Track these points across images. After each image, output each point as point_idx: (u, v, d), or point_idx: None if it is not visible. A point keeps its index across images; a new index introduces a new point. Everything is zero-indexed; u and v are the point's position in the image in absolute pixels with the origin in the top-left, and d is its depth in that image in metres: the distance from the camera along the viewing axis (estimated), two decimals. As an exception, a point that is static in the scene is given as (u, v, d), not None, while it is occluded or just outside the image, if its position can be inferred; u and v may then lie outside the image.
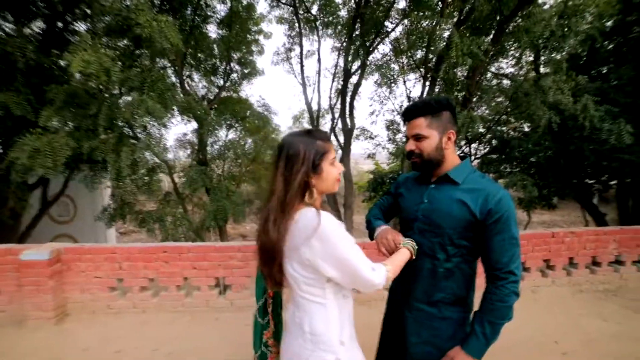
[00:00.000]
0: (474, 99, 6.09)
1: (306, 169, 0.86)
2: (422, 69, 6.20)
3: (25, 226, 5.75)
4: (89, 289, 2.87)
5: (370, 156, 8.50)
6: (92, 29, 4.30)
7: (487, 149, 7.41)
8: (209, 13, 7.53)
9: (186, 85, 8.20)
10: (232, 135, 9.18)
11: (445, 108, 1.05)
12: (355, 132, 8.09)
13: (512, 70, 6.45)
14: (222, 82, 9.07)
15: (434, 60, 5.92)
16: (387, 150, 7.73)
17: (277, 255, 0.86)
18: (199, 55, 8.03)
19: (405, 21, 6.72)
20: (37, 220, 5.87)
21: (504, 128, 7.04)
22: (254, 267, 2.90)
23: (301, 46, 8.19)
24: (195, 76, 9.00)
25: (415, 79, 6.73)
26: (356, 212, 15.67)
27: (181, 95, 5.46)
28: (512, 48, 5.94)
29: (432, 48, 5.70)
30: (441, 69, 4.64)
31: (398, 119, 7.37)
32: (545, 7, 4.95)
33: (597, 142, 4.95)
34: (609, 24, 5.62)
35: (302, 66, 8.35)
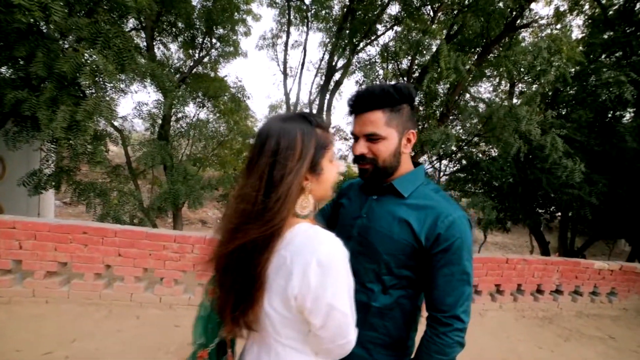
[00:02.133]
0: (450, 117, 6.15)
1: (305, 168, 0.63)
2: (404, 78, 6.14)
3: None
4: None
5: (343, 158, 8.37)
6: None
7: (456, 167, 7.60)
8: (192, -22, 6.92)
9: (159, 53, 7.51)
10: (202, 115, 8.62)
11: (407, 100, 0.82)
12: (331, 130, 7.92)
13: (488, 95, 6.64)
14: (198, 56, 8.46)
15: (418, 71, 5.89)
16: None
17: (258, 294, 0.62)
18: (178, 23, 7.38)
19: (396, 27, 6.64)
20: None
21: (473, 150, 7.23)
22: (189, 262, 2.59)
23: (288, 34, 7.86)
24: (172, 46, 8.32)
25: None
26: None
27: (143, 60, 4.89)
28: (492, 75, 6.11)
29: (418, 59, 5.66)
30: (425, 81, 4.57)
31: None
32: (525, 42, 5.14)
33: (554, 175, 5.23)
34: (572, 70, 5.99)
35: (286, 55, 8.02)
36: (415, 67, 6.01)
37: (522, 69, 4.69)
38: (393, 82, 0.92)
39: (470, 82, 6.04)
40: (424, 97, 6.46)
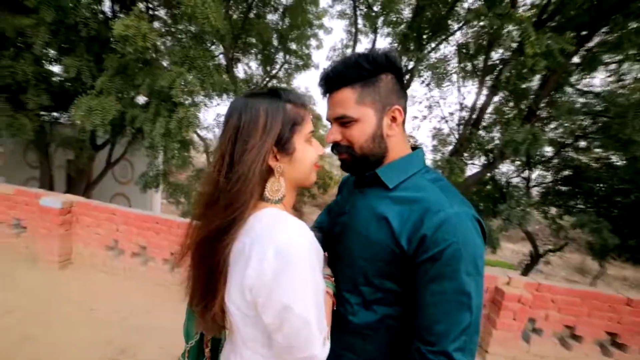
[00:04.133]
0: (543, 115, 5.11)
1: (269, 146, 0.57)
2: (479, 74, 5.40)
3: (92, 180, 6.59)
4: (90, 243, 3.01)
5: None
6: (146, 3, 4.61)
7: (554, 177, 6.24)
8: (269, 2, 7.69)
9: (242, 70, 8.53)
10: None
11: (385, 69, 0.66)
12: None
13: (606, 88, 5.24)
14: (273, 71, 9.30)
15: (499, 67, 5.12)
16: (430, 160, 7.00)
17: (219, 285, 0.56)
18: (255, 43, 8.27)
19: (474, 22, 5.95)
20: (101, 177, 6.67)
21: (580, 156, 5.82)
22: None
23: (355, 42, 7.88)
24: (253, 64, 9.39)
25: (473, 84, 5.91)
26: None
27: (223, 76, 5.61)
28: (611, 61, 4.80)
29: (499, 51, 4.92)
30: (505, 74, 3.92)
31: (446, 127, 6.61)
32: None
33: None
34: None
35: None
36: (496, 61, 5.23)
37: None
38: (366, 50, 0.68)
39: (576, 72, 4.91)
40: (509, 95, 5.57)
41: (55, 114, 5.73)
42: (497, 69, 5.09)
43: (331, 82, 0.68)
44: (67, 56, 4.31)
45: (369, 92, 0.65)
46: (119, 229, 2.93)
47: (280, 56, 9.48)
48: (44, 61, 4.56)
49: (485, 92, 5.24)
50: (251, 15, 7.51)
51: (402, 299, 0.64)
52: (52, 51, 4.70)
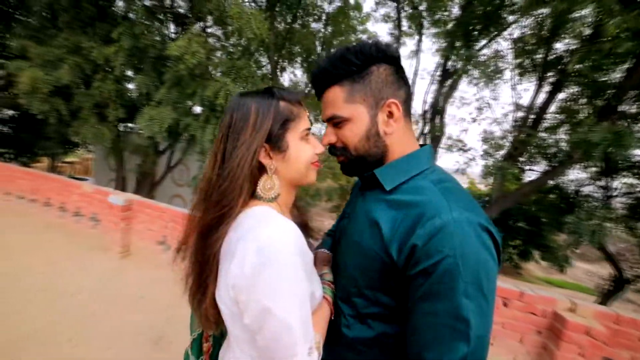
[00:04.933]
0: (632, 111, 4.31)
1: (259, 142, 0.57)
2: (538, 70, 4.80)
3: (155, 182, 7.50)
4: (145, 238, 3.39)
5: (462, 172, 7.26)
6: (202, 26, 5.12)
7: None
8: (312, 11, 7.93)
9: (288, 79, 8.89)
10: (315, 130, 9.54)
11: (377, 60, 0.59)
12: (446, 142, 7.06)
13: None
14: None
15: (564, 59, 4.50)
16: (480, 166, 6.42)
17: (208, 281, 0.57)
18: (300, 50, 8.58)
19: (535, 11, 5.35)
20: (162, 179, 7.54)
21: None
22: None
23: (398, 44, 7.67)
24: (298, 72, 9.74)
25: (531, 81, 5.26)
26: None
27: (268, 84, 5.93)
28: None
29: (562, 39, 4.33)
30: (574, 66, 3.40)
31: (498, 129, 6.00)
32: None
33: None
34: None
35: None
36: (561, 53, 4.60)
37: None
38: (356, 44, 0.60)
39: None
40: (580, 90, 4.85)
41: (129, 124, 6.65)
42: (563, 61, 4.48)
43: (320, 82, 0.64)
44: (138, 75, 5.00)
45: (359, 88, 0.60)
46: (167, 226, 3.25)
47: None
48: (122, 80, 5.35)
49: (546, 89, 4.64)
50: (296, 25, 7.81)
51: (399, 316, 0.57)
52: (129, 72, 5.49)
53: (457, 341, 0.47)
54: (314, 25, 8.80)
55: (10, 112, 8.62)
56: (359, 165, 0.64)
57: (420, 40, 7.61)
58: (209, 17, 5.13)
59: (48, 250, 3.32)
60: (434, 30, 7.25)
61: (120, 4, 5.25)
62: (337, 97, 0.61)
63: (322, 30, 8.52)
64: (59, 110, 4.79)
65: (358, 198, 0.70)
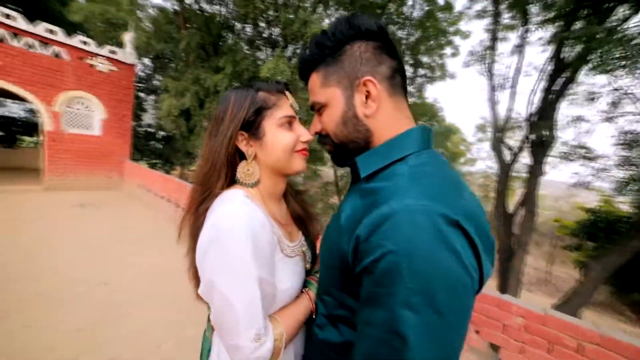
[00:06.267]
0: None
1: (234, 130, 0.61)
2: None
3: None
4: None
5: (585, 186, 5.72)
6: (282, 45, 5.76)
7: None
8: (397, 19, 7.83)
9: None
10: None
11: (351, 38, 0.54)
12: (562, 148, 5.73)
13: None
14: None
15: None
16: (614, 178, 4.87)
17: (193, 255, 0.61)
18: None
19: None
20: None
21: None
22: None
23: (494, 40, 6.77)
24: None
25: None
26: (558, 262, 11.12)
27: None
28: None
29: None
30: None
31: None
32: None
33: None
34: None
35: (491, 65, 6.91)
36: None
37: None
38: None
39: None
40: None
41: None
42: None
43: (302, 73, 0.62)
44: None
45: (332, 71, 0.55)
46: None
47: (410, 70, 9.33)
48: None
49: None
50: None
51: None
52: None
53: (387, 355, 0.38)
54: (399, 33, 8.65)
55: (162, 133, 11.48)
56: (343, 154, 0.59)
57: (525, 32, 6.50)
58: (295, 39, 5.73)
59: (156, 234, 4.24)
60: (542, 16, 6.09)
61: (229, 39, 6.45)
62: (314, 84, 0.58)
63: (405, 37, 8.28)
64: (181, 128, 6.16)
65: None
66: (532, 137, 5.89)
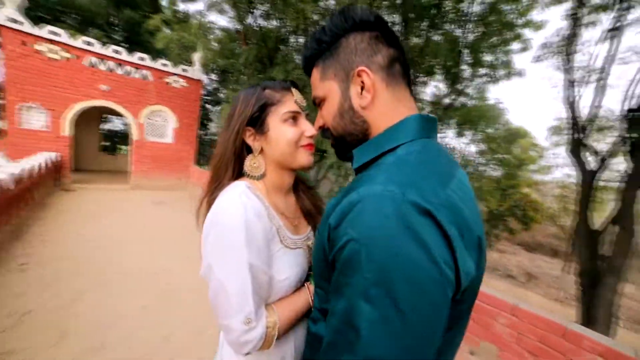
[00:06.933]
0: None
1: (240, 125, 0.65)
2: None
3: None
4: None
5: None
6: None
7: None
8: (454, 18, 7.35)
9: (431, 91, 8.63)
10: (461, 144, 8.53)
11: (347, 30, 0.53)
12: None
13: None
14: (461, 86, 8.65)
15: None
16: None
17: None
18: (437, 62, 8.10)
19: None
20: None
21: None
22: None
23: (574, 28, 5.88)
24: (441, 85, 9.22)
25: None
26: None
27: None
28: None
29: None
30: None
31: None
32: None
33: None
34: None
35: (571, 55, 6.00)
36: None
37: None
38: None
39: None
40: None
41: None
42: None
43: (305, 70, 0.62)
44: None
45: (329, 64, 0.55)
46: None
47: (469, 71, 8.66)
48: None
49: None
50: (435, 36, 7.49)
51: None
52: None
53: (344, 353, 0.36)
54: (458, 31, 8.10)
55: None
56: (343, 147, 0.58)
57: (627, 8, 5.41)
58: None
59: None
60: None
61: (283, 51, 6.83)
62: (315, 79, 0.59)
63: (467, 35, 7.71)
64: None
65: None
66: (633, 136, 4.89)
